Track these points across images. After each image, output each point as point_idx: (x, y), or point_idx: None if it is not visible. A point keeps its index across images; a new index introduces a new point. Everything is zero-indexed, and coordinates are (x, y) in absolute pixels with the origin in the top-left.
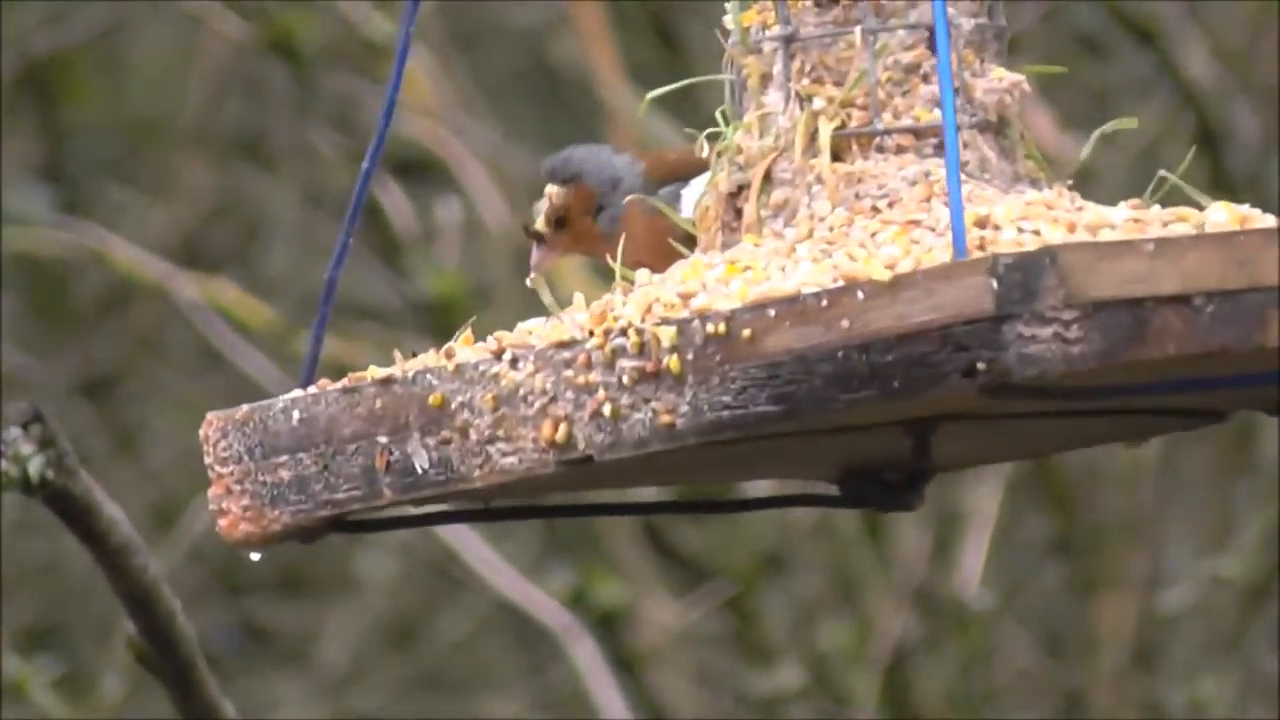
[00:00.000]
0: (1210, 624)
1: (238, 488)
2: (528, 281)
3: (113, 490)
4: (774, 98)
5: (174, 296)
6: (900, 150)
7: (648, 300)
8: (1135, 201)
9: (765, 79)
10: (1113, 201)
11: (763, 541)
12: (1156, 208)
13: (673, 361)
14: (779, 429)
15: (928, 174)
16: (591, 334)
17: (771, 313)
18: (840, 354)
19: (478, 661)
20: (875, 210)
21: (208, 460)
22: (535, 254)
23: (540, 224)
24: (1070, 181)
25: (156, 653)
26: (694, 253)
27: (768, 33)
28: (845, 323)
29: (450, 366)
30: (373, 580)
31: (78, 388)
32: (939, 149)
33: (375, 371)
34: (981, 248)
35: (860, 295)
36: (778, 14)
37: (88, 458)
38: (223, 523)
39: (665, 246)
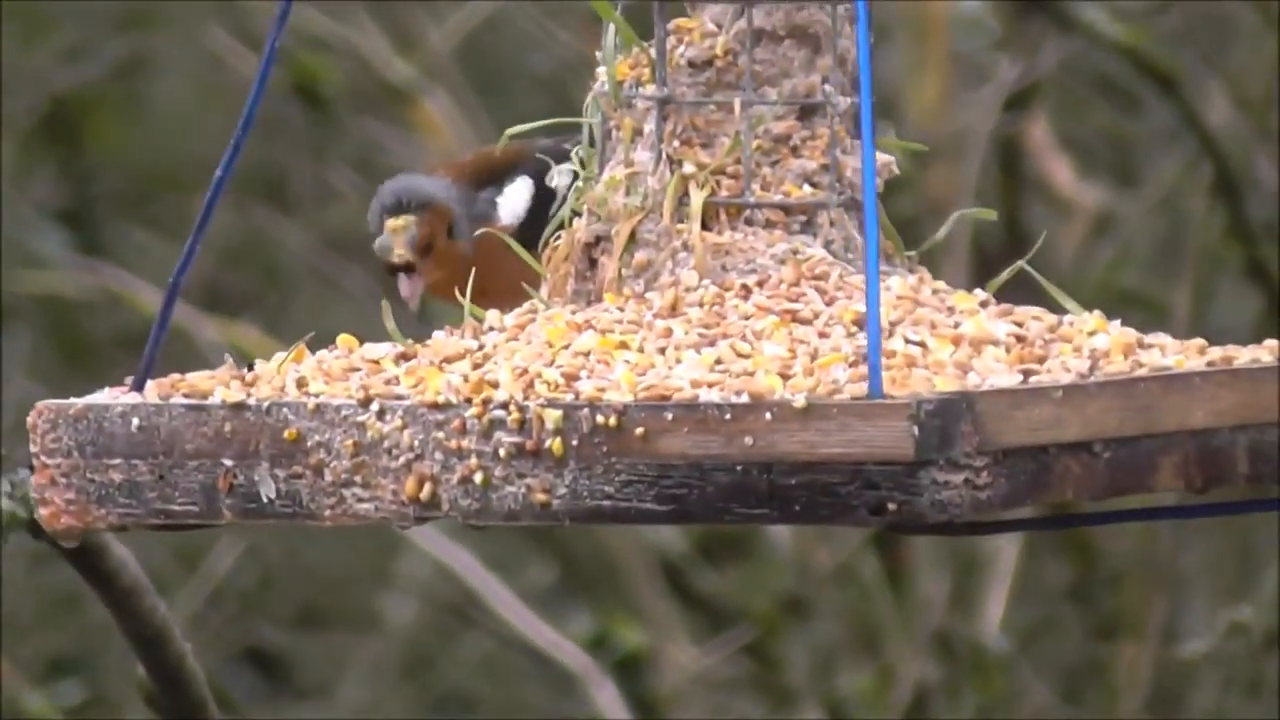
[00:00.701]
0: (1228, 671)
1: (63, 480)
2: (412, 308)
3: (134, 531)
4: (643, 156)
5: (195, 338)
6: (769, 224)
7: (524, 371)
8: (981, 294)
9: (635, 135)
10: (1139, 249)
11: (783, 585)
12: (1071, 311)
13: (555, 444)
14: (659, 524)
15: (795, 252)
16: (469, 401)
17: (669, 415)
18: (739, 468)
19: (498, 702)
20: (746, 290)
21: (33, 448)
22: (406, 285)
23: (404, 253)
24: (915, 254)
25: (165, 694)
26: (539, 292)
27: (642, 90)
28: (749, 439)
29: (310, 405)
30: (393, 619)
31: None
32: (806, 225)
33: (227, 395)
34: (861, 364)
35: (768, 415)
36: (655, 74)
37: None
38: (44, 511)
39: (515, 274)
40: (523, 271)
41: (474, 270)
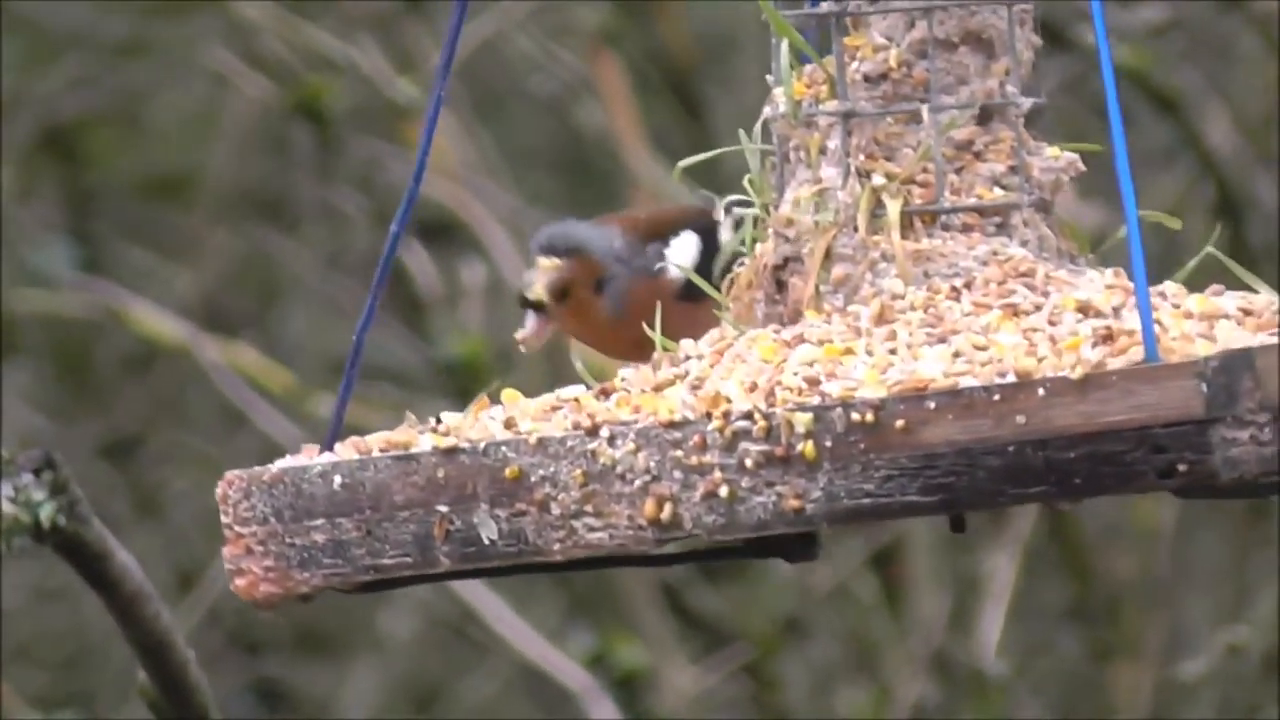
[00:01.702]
0: (1225, 693)
1: (260, 549)
2: (522, 348)
3: (134, 551)
4: (830, 172)
5: (196, 358)
6: (966, 229)
7: (754, 385)
8: (1170, 285)
9: (821, 152)
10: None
11: (781, 606)
12: (1267, 294)
13: (807, 448)
14: (924, 516)
15: (996, 253)
16: (709, 415)
17: (930, 405)
18: (1012, 449)
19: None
20: (955, 292)
21: (225, 520)
22: (531, 324)
23: (539, 293)
24: (1094, 255)
25: (169, 701)
26: (721, 319)
27: (822, 106)
28: (1021, 418)
29: (531, 440)
30: (393, 640)
31: (99, 449)
32: (1000, 227)
33: (438, 441)
34: (1110, 337)
35: (1041, 392)
36: (837, 89)
37: (109, 518)
38: (240, 582)
39: (667, 312)
40: (683, 322)
41: (629, 324)
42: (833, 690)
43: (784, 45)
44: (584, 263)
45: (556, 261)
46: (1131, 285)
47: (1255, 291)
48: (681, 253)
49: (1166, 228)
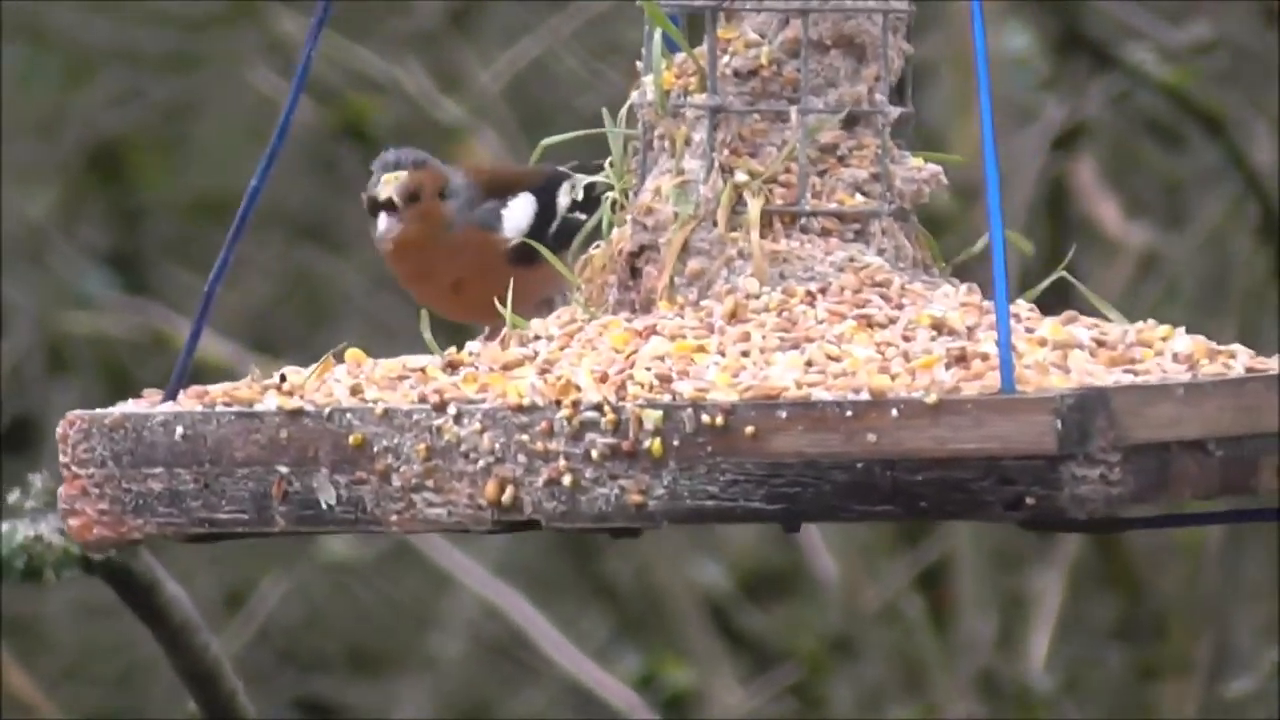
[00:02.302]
0: (1273, 710)
1: (96, 491)
2: (382, 248)
3: (183, 572)
4: (693, 165)
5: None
6: (825, 233)
7: (605, 375)
8: (1026, 304)
9: (685, 144)
10: (1185, 289)
11: (829, 626)
12: (1116, 321)
13: (655, 444)
14: (764, 523)
15: (853, 260)
16: (558, 403)
17: (782, 414)
18: (860, 465)
19: None
20: (810, 296)
21: (63, 459)
22: (384, 223)
23: (389, 192)
24: (949, 266)
25: None
26: (574, 304)
27: (691, 99)
28: (871, 436)
29: (378, 410)
30: (443, 660)
31: None
32: (859, 234)
33: (283, 401)
34: (964, 359)
35: (894, 412)
36: (706, 83)
37: (156, 538)
38: (74, 523)
39: (496, 265)
40: (514, 281)
41: (456, 264)
42: (880, 709)
43: (657, 34)
44: (430, 172)
45: (404, 173)
46: (985, 304)
47: (1108, 319)
48: (517, 213)
49: (1219, 248)
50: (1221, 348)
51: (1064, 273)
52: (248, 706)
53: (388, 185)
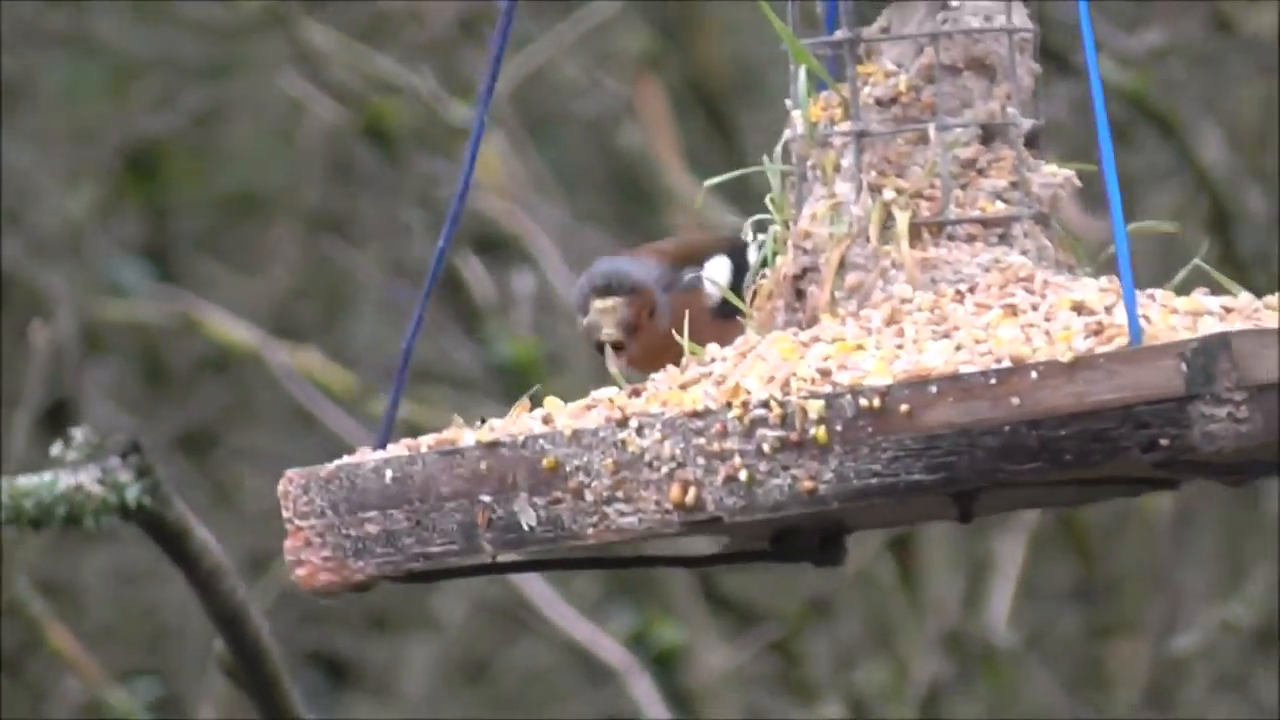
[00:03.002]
0: (1218, 667)
1: (318, 540)
2: (617, 378)
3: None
4: (844, 188)
5: (267, 362)
6: (970, 239)
7: (772, 377)
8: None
9: (835, 170)
10: (1139, 277)
11: (808, 589)
12: (1245, 295)
13: (820, 432)
14: (925, 494)
15: (998, 260)
16: (729, 405)
17: (932, 389)
18: (1007, 429)
19: (546, 695)
20: (960, 295)
21: (286, 515)
22: (613, 361)
23: (613, 333)
24: (1091, 269)
25: (244, 667)
26: (746, 330)
27: (837, 128)
28: (1015, 400)
29: (567, 433)
30: (449, 619)
31: (178, 445)
32: (1002, 238)
33: (481, 436)
34: (1100, 331)
35: (1034, 375)
36: (850, 111)
37: (186, 506)
38: (301, 572)
39: (702, 326)
40: (717, 338)
41: (670, 337)
42: (855, 666)
43: (802, 71)
44: (641, 295)
45: (617, 300)
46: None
47: (1236, 295)
48: (716, 274)
49: (1167, 245)
50: None
51: (1200, 262)
52: (272, 645)
53: (606, 318)
